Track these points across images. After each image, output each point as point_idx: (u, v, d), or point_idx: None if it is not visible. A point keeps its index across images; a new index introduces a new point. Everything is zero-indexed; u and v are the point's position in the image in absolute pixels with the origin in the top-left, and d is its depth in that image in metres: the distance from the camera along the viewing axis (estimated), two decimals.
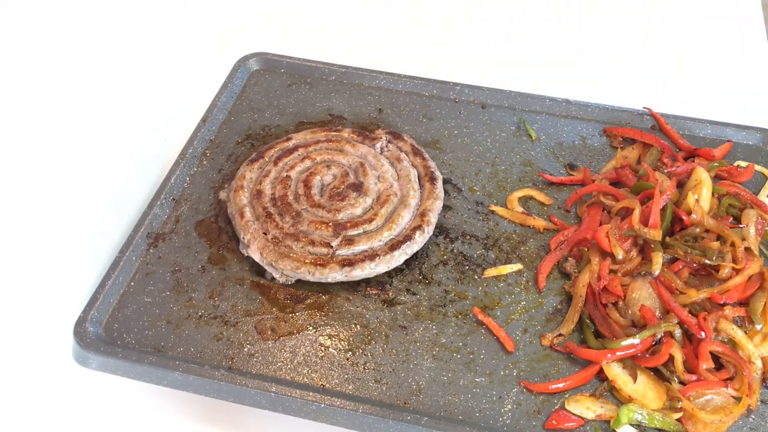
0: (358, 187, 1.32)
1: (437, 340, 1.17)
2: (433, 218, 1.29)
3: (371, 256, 1.22)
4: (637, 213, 1.23)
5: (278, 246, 1.24)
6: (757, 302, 1.15)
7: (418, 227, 1.26)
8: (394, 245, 1.24)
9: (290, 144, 1.41)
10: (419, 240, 1.26)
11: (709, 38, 1.86)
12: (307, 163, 1.37)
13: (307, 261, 1.21)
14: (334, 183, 1.34)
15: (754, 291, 1.16)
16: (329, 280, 1.21)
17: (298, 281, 1.23)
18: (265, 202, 1.30)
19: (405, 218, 1.29)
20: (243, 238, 1.27)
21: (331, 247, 1.23)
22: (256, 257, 1.24)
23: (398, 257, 1.23)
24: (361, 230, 1.26)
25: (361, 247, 1.24)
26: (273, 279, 1.24)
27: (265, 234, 1.26)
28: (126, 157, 1.44)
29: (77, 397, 1.19)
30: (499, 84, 1.56)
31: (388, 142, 1.41)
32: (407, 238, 1.25)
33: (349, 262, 1.21)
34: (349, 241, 1.24)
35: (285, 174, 1.35)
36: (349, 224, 1.26)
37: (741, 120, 1.50)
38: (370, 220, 1.28)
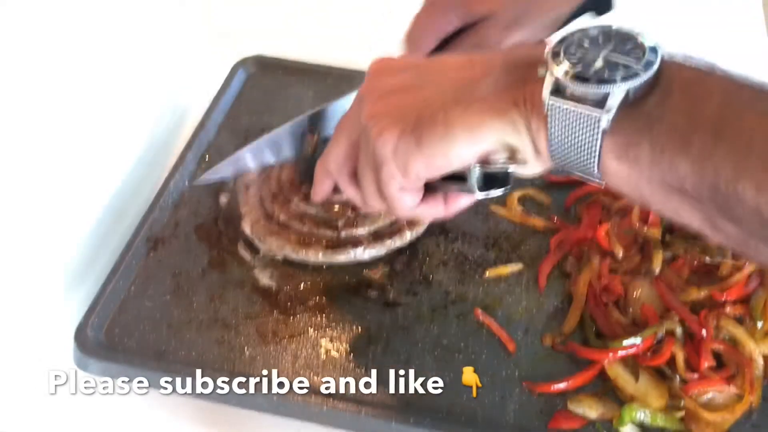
0: None
1: (439, 341, 1.17)
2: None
3: (356, 242, 1.24)
4: (636, 211, 1.23)
5: (269, 223, 1.26)
6: (757, 300, 1.15)
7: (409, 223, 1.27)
8: (378, 236, 1.25)
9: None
10: (408, 235, 1.26)
11: (709, 38, 1.86)
12: None
13: (291, 240, 1.23)
14: None
15: (755, 289, 1.16)
16: (311, 260, 1.23)
17: (299, 282, 1.23)
18: (272, 183, 1.32)
19: None
20: (241, 209, 1.29)
21: (336, 228, 1.25)
22: (247, 230, 1.27)
23: (380, 249, 1.25)
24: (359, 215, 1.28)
25: (359, 231, 1.25)
26: (254, 258, 1.26)
27: (263, 208, 1.28)
28: (124, 161, 1.43)
29: (78, 402, 1.18)
30: None
31: None
32: (397, 230, 1.26)
33: (337, 244, 1.23)
34: (351, 224, 1.25)
35: None
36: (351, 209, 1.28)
37: None
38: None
